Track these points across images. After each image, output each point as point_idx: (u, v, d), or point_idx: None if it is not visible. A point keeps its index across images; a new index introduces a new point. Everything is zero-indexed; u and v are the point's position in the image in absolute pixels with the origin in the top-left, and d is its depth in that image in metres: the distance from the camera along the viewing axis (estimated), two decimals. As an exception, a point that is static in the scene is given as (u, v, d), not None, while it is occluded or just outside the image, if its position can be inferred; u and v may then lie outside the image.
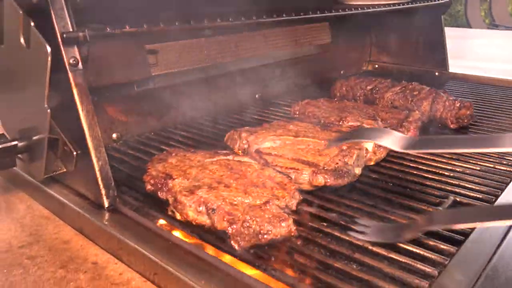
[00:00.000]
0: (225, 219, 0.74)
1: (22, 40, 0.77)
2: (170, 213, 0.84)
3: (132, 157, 1.14)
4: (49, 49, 0.73)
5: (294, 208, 0.84)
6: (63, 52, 0.79)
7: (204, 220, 0.78)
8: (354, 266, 0.70)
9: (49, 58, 0.73)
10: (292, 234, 0.73)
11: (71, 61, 0.80)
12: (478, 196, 0.91)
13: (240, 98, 1.63)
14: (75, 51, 0.80)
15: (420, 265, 0.69)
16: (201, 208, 0.77)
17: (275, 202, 0.78)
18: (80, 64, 0.81)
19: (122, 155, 1.17)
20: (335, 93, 1.69)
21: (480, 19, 7.94)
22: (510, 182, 0.95)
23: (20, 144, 0.87)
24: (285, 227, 0.72)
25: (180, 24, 0.94)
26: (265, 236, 0.71)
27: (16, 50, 0.81)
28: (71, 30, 0.78)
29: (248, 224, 0.71)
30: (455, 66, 2.15)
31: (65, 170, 0.90)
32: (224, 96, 1.57)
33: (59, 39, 0.77)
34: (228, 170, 0.89)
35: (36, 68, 0.78)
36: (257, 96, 1.73)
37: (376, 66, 2.33)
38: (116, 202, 0.86)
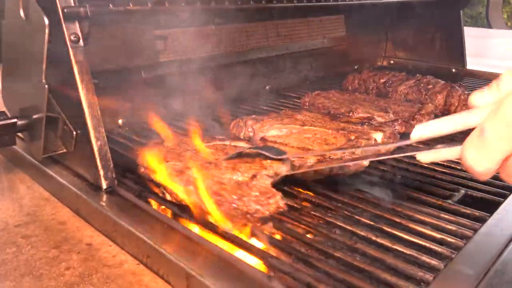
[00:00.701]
0: (213, 200, 0.71)
1: (22, 13, 0.76)
2: (161, 194, 0.81)
3: (136, 143, 1.12)
4: (46, 21, 0.71)
5: (284, 173, 0.80)
6: (64, 28, 0.77)
7: (194, 200, 0.75)
8: (356, 257, 0.67)
9: (47, 31, 0.71)
10: (282, 209, 0.70)
11: (72, 37, 0.78)
12: (490, 189, 0.87)
13: (249, 88, 1.60)
14: (76, 27, 0.78)
15: (425, 258, 0.66)
16: (190, 187, 0.74)
17: (263, 173, 0.75)
18: (81, 41, 0.79)
19: (126, 140, 1.15)
20: (347, 86, 1.66)
21: (502, 21, 7.75)
22: (525, 177, 0.90)
23: (20, 122, 0.86)
24: (273, 204, 0.69)
25: (185, 5, 0.92)
26: (255, 215, 0.68)
27: (17, 25, 0.80)
28: (72, 5, 0.76)
29: (235, 206, 0.69)
30: (476, 64, 2.09)
31: (65, 150, 0.89)
32: (233, 86, 1.54)
33: (60, 14, 0.76)
34: (224, 154, 0.86)
35: (34, 41, 0.77)
36: (267, 87, 1.70)
37: (392, 61, 2.28)
38: (114, 184, 0.84)
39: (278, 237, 0.73)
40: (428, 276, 0.61)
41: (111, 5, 0.81)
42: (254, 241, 0.71)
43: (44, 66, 0.76)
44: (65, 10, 0.76)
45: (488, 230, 0.71)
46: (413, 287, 0.59)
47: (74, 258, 0.71)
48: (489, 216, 0.75)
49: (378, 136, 1.02)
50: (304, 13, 1.76)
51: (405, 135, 1.12)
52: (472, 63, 2.08)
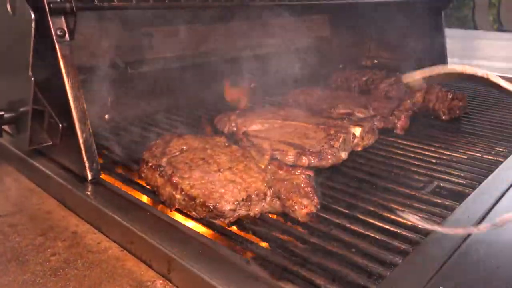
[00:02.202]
0: None
1: (8, 8, 0.78)
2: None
3: (122, 138, 1.15)
4: (33, 15, 0.73)
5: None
6: (50, 22, 0.79)
7: None
8: (331, 242, 0.70)
9: (33, 25, 0.73)
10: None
11: (58, 32, 0.80)
12: (461, 181, 0.91)
13: (235, 86, 1.63)
14: (62, 22, 0.81)
15: (396, 243, 0.69)
16: None
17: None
18: (67, 35, 0.82)
19: (112, 135, 1.17)
20: (331, 84, 1.69)
21: (488, 24, 7.90)
22: (495, 170, 0.94)
23: (6, 115, 0.88)
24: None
25: (170, 2, 0.94)
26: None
27: (4, 19, 0.82)
28: (58, 0, 0.79)
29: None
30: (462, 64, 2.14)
31: (50, 143, 0.91)
32: (219, 83, 1.57)
33: (47, 9, 0.78)
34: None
35: (21, 36, 0.79)
36: (252, 85, 1.73)
37: (376, 61, 2.33)
38: (99, 175, 0.87)
39: (257, 225, 0.76)
40: (397, 259, 0.65)
41: (96, 1, 0.83)
42: (233, 228, 0.74)
43: (31, 60, 0.78)
44: (51, 5, 0.78)
45: (456, 217, 0.75)
46: (382, 268, 0.63)
47: (60, 245, 0.74)
48: (458, 205, 0.79)
49: (357, 130, 1.06)
50: (288, 12, 1.79)
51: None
52: (458, 63, 2.13)
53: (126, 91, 1.32)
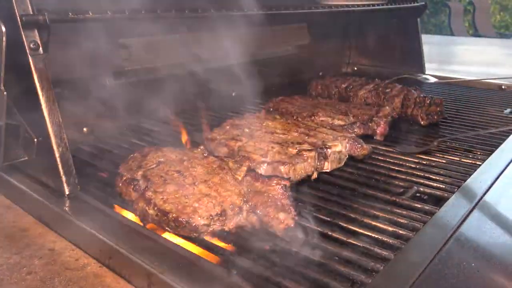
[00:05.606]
0: None
1: (-21, 22, 0.77)
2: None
3: (101, 151, 1.13)
4: (3, 28, 0.72)
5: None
6: (23, 35, 0.78)
7: None
8: (313, 250, 0.70)
9: (4, 38, 0.72)
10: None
11: (31, 45, 0.79)
12: (441, 186, 0.92)
13: (216, 95, 1.62)
14: (36, 35, 0.79)
15: (377, 249, 0.70)
16: None
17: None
18: (40, 48, 0.80)
19: (92, 148, 1.16)
20: (311, 92, 1.70)
21: (463, 29, 8.12)
22: (473, 173, 0.95)
23: (-21, 131, 0.86)
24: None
25: (145, 13, 0.94)
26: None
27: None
28: (31, 13, 0.77)
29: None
30: (440, 70, 2.18)
31: (26, 158, 0.89)
32: (200, 93, 1.56)
33: (19, 22, 0.76)
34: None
35: (-8, 49, 0.77)
36: (233, 94, 1.73)
37: (355, 68, 2.35)
38: (77, 189, 0.85)
39: (238, 236, 0.75)
40: (379, 266, 0.65)
41: (70, 13, 0.82)
42: (215, 240, 0.73)
43: (2, 73, 0.76)
44: (24, 18, 0.77)
45: (436, 222, 0.76)
46: (364, 276, 0.63)
47: (36, 263, 0.72)
48: (438, 210, 0.80)
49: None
50: (268, 21, 1.80)
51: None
52: (436, 69, 2.18)
53: (105, 103, 1.30)
